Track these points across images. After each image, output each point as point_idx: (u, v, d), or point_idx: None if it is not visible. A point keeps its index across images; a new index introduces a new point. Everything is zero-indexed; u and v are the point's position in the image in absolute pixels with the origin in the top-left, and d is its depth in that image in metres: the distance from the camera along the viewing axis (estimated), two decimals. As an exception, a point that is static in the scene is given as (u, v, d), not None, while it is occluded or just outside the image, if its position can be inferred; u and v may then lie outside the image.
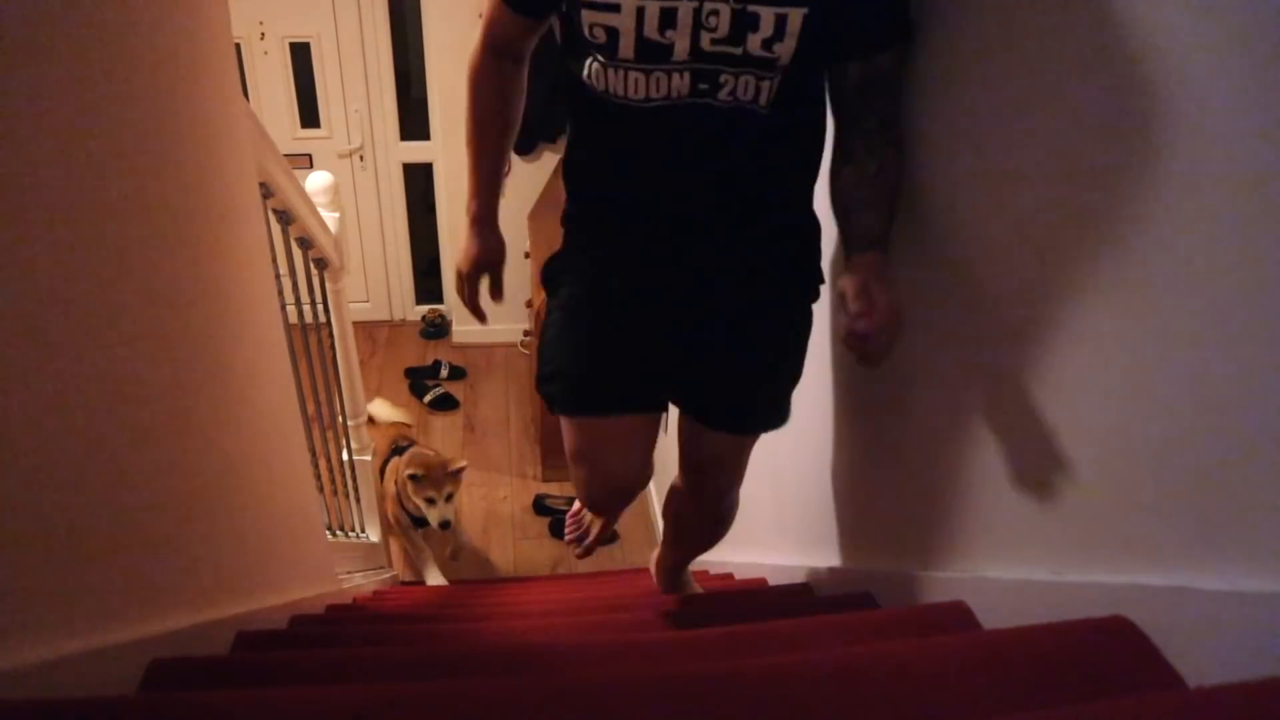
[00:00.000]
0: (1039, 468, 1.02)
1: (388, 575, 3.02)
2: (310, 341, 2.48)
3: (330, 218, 2.47)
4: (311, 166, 4.60)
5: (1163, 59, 0.79)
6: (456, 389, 4.62)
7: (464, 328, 4.98)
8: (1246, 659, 0.76)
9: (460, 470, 3.09)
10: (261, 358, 1.60)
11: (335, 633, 1.42)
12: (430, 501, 3.03)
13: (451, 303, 5.06)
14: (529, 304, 4.23)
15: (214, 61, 1.38)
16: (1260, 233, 0.72)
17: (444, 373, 4.70)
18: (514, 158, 4.53)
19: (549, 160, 4.53)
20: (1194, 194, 0.78)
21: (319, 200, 2.43)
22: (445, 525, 3.06)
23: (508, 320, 4.95)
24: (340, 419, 2.79)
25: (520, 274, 4.76)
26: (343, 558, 2.55)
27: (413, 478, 3.00)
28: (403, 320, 5.22)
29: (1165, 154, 0.81)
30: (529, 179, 4.58)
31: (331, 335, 2.64)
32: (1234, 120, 0.74)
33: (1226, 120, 0.74)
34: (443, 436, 4.31)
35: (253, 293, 1.56)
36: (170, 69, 1.17)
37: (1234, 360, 0.76)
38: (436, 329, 5.06)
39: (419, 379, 4.65)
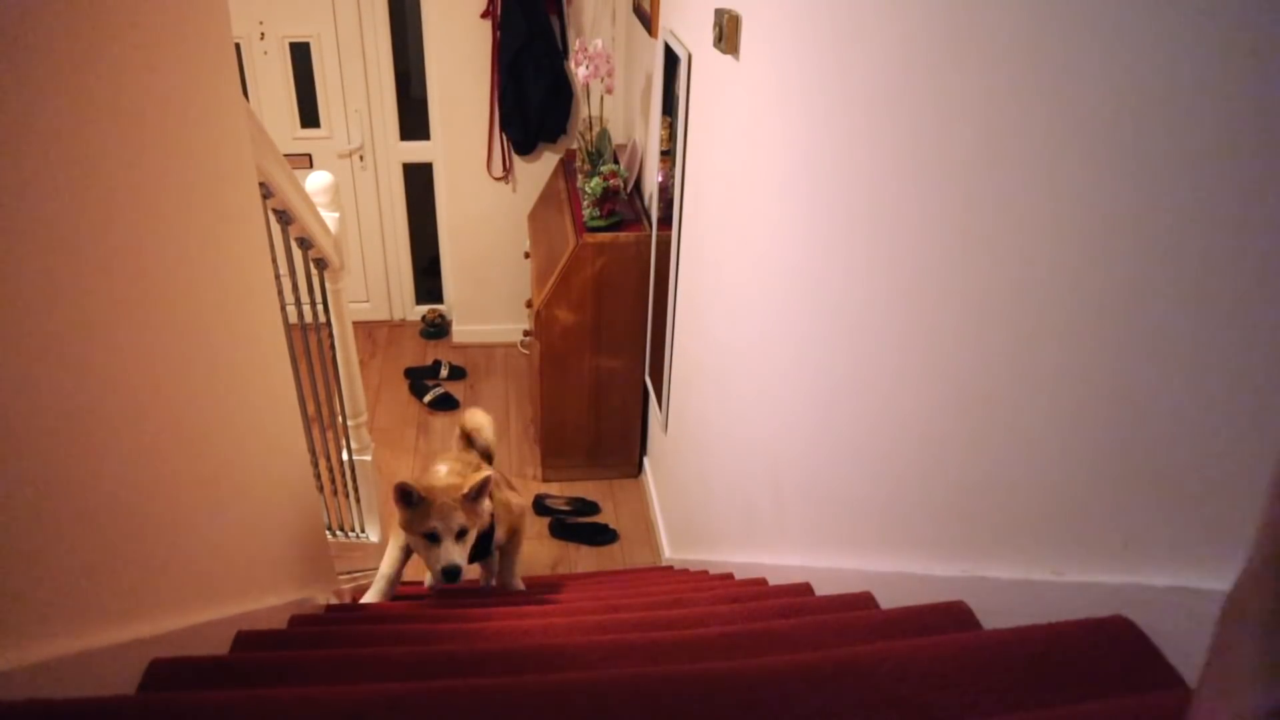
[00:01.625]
0: (1038, 466, 1.02)
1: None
2: (310, 341, 2.48)
3: (330, 218, 2.47)
4: (311, 166, 4.60)
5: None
6: (456, 389, 4.62)
7: (464, 328, 4.98)
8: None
9: (480, 489, 1.99)
10: (261, 357, 1.60)
11: (335, 632, 1.42)
12: (432, 538, 1.94)
13: (451, 302, 5.06)
14: (529, 304, 4.22)
15: (213, 61, 1.38)
16: (1261, 234, 0.72)
17: (444, 373, 4.70)
18: (515, 158, 4.53)
19: (549, 160, 4.53)
20: (1197, 194, 0.78)
21: (319, 200, 2.43)
22: (451, 575, 1.93)
23: (507, 320, 4.95)
24: (340, 419, 2.79)
25: (520, 274, 4.76)
26: (343, 558, 2.55)
27: (404, 497, 1.94)
28: (403, 320, 5.22)
29: (1152, 152, 0.81)
30: (529, 179, 4.58)
31: (331, 335, 2.64)
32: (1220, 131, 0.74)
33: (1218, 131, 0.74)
34: (443, 437, 4.31)
35: (252, 292, 1.56)
36: (169, 68, 1.17)
37: (1235, 359, 0.76)
38: (436, 329, 5.06)
39: (419, 379, 4.65)
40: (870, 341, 1.46)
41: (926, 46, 1.22)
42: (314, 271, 2.49)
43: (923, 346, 1.27)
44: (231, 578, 1.39)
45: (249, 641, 1.27)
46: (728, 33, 2.18)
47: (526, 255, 4.44)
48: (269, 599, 1.56)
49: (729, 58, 2.25)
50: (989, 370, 1.11)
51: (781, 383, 1.94)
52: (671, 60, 2.97)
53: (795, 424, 1.85)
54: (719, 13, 2.23)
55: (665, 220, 3.16)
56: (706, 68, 2.54)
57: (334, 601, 2.06)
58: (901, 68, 1.30)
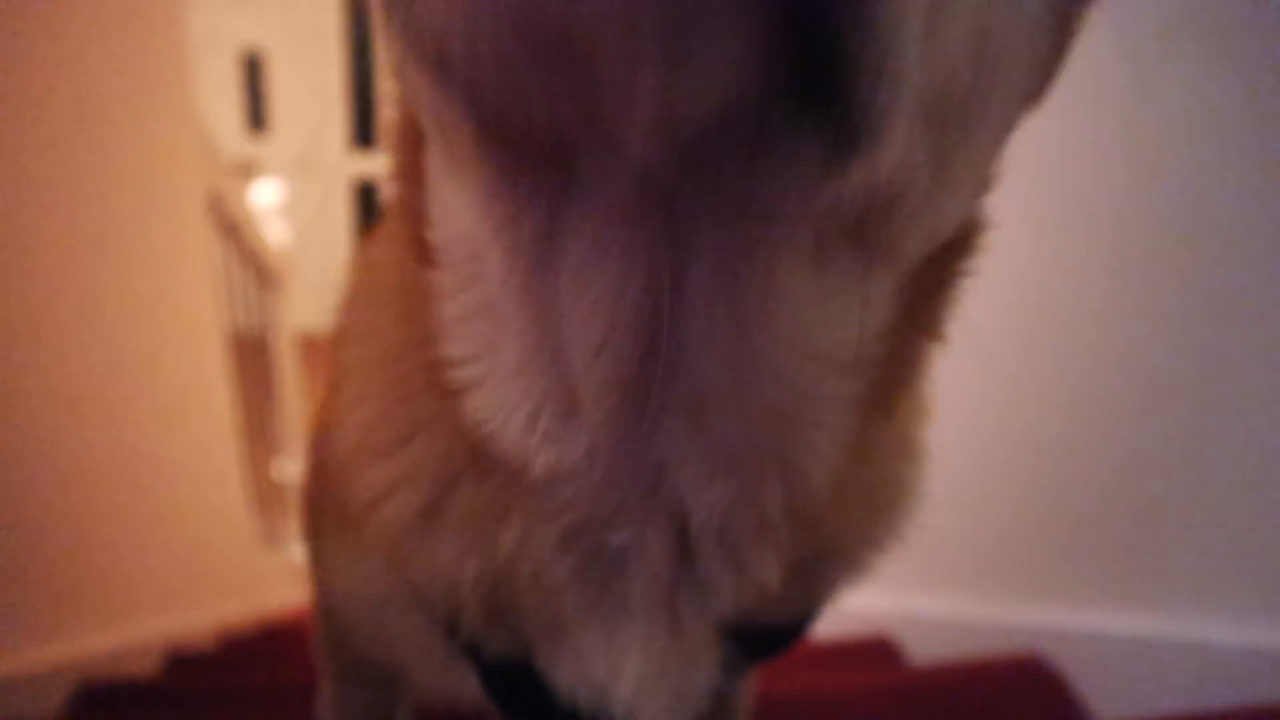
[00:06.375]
0: (964, 509, 1.07)
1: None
2: (251, 355, 2.44)
3: (276, 228, 2.45)
4: (258, 175, 4.54)
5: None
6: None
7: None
8: (1155, 698, 0.81)
9: None
10: (195, 367, 1.59)
11: (269, 652, 1.40)
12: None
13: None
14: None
15: (165, 73, 1.37)
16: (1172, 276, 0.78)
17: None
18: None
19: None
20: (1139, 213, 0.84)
21: (267, 211, 2.41)
22: None
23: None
24: (276, 430, 2.75)
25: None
26: (283, 573, 2.51)
27: None
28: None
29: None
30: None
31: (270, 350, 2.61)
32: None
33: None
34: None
35: (191, 304, 1.55)
36: (118, 78, 1.17)
37: (1147, 415, 0.82)
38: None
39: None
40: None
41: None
42: (256, 284, 2.46)
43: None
44: (160, 592, 1.37)
45: (182, 662, 1.26)
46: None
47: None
48: (198, 613, 1.54)
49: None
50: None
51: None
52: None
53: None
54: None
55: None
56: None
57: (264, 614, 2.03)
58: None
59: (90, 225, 1.09)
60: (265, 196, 2.46)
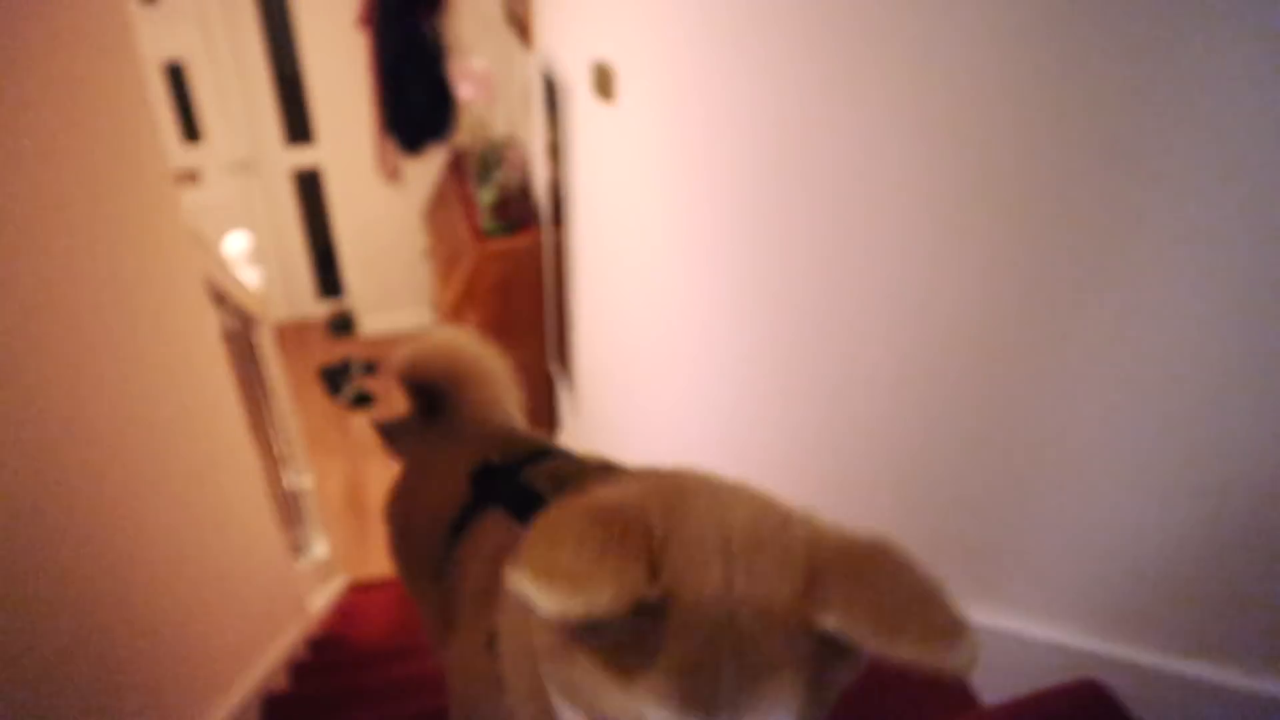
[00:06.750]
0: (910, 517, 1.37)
1: (338, 582, 3.23)
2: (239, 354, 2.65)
3: (250, 274, 2.63)
4: (197, 182, 4.59)
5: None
6: (372, 384, 4.79)
7: (372, 319, 5.11)
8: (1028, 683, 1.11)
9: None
10: (218, 423, 1.75)
11: (339, 683, 1.53)
12: None
13: (355, 298, 5.16)
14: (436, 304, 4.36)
15: (151, 179, 1.44)
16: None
17: (357, 369, 4.85)
18: (406, 156, 4.62)
19: (439, 156, 4.63)
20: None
21: (239, 261, 2.59)
22: None
23: (414, 306, 5.10)
24: (278, 448, 2.97)
25: (421, 272, 4.90)
26: (311, 577, 2.74)
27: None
28: (305, 319, 5.29)
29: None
30: (421, 175, 4.69)
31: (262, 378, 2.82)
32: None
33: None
34: (364, 435, 4.49)
35: (206, 368, 1.65)
36: (106, 189, 1.21)
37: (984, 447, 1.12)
38: (344, 325, 5.17)
39: (333, 378, 4.79)
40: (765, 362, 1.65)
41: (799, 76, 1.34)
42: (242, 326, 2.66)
43: (825, 374, 1.59)
44: (244, 645, 1.54)
45: (276, 708, 1.42)
46: (604, 83, 2.37)
47: (426, 252, 4.58)
48: (274, 650, 1.72)
49: (606, 100, 2.43)
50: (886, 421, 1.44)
51: (686, 382, 2.05)
52: (550, 77, 3.13)
53: (703, 425, 2.13)
54: (595, 66, 2.42)
55: (559, 214, 3.28)
56: (583, 98, 2.69)
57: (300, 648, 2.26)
58: (774, 92, 1.41)
59: (108, 325, 1.16)
60: (235, 246, 2.63)
